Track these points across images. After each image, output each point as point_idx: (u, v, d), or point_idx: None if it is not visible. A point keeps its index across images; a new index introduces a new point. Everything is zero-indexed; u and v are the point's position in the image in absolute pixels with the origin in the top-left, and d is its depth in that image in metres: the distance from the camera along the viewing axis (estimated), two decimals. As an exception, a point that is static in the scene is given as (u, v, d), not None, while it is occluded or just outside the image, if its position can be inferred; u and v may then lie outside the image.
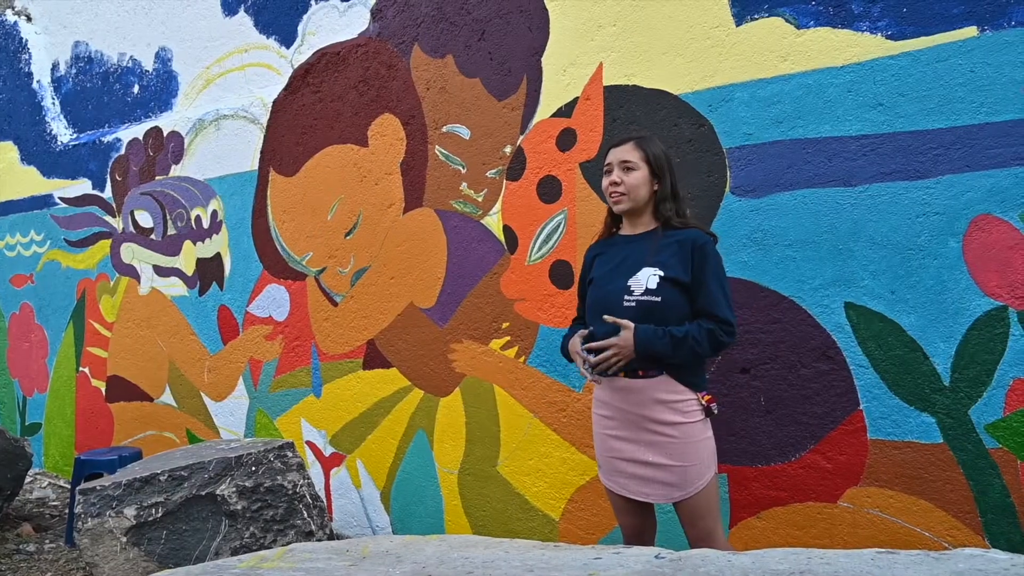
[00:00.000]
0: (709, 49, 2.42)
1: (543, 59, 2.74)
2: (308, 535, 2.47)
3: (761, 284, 2.36)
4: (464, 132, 2.95)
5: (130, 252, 4.17)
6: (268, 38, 3.58)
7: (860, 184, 2.21)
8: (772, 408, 2.36)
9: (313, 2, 3.42)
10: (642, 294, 1.92)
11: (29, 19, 4.76)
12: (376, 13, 3.19)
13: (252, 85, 3.65)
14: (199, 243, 3.84)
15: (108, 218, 4.28)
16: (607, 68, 2.62)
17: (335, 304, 3.34)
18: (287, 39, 3.51)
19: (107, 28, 4.31)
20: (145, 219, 4.09)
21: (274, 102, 3.51)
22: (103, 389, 4.38)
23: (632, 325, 1.88)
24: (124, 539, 2.19)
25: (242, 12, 3.68)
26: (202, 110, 3.82)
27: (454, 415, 3.02)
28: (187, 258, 3.90)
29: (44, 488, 4.38)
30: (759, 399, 2.38)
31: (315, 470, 3.47)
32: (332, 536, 2.55)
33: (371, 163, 3.21)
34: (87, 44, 4.44)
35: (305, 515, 2.48)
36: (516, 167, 2.83)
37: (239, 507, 2.37)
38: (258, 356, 3.63)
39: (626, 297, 1.94)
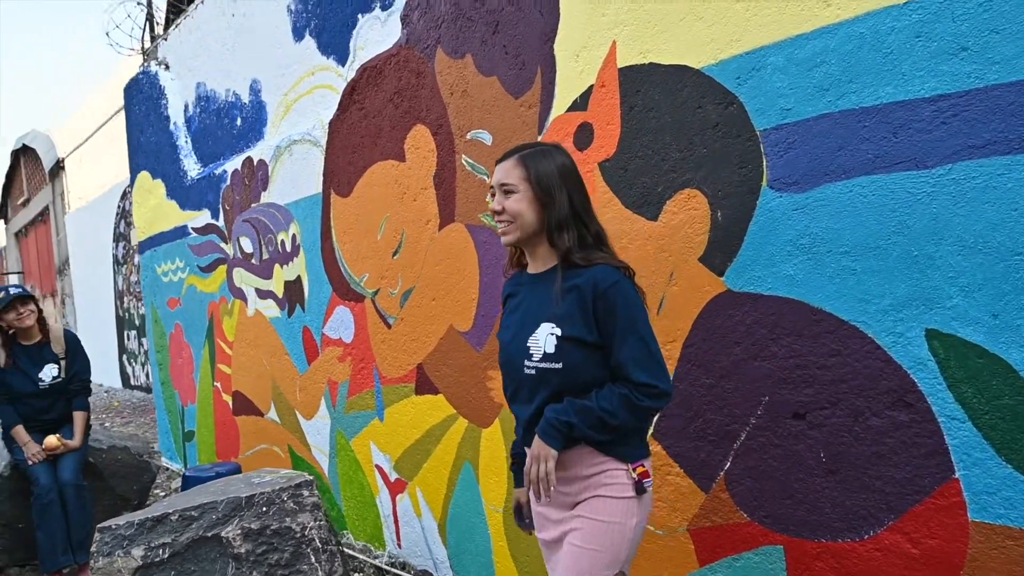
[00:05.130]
0: (733, 6, 1.90)
1: (555, 46, 2.36)
2: (313, 582, 2.36)
3: (812, 305, 1.80)
4: (487, 138, 2.66)
5: (239, 276, 4.43)
6: (328, 59, 3.55)
7: (940, 164, 1.58)
8: (835, 467, 1.79)
9: (360, 16, 3.31)
10: (540, 359, 1.55)
11: (167, 67, 5.26)
12: (404, 19, 3.00)
13: (319, 108, 3.65)
14: (284, 266, 3.95)
15: (223, 245, 4.59)
16: (621, 46, 2.18)
17: (389, 326, 3.23)
18: (342, 57, 3.45)
19: (215, 67, 4.61)
20: (247, 244, 4.31)
21: (329, 123, 3.48)
22: (230, 403, 4.71)
23: (537, 447, 1.53)
24: (130, 579, 2.23)
25: (307, 36, 3.70)
26: (280, 137, 3.91)
27: (496, 448, 2.75)
28: (277, 281, 4.04)
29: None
30: (819, 454, 1.82)
31: (383, 496, 3.39)
32: (341, 583, 2.42)
33: (409, 178, 3.03)
34: (204, 84, 4.79)
35: (312, 560, 2.37)
36: (536, 172, 2.47)
37: (243, 550, 2.31)
38: (334, 377, 3.64)
39: (526, 363, 1.58)
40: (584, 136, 2.30)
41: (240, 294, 4.44)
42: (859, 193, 1.70)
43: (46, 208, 15.00)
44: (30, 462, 3.25)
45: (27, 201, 16.84)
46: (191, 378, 5.26)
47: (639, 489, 1.54)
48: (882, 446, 1.71)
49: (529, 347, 1.57)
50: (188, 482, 3.62)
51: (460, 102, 2.74)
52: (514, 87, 2.52)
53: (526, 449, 1.65)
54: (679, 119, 2.04)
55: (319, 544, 2.39)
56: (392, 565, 3.31)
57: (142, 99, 5.56)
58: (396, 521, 3.33)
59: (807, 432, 1.84)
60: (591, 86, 2.27)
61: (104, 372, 12.63)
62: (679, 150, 2.04)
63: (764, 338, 1.90)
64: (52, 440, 3.30)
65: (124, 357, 11.58)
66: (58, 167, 13.77)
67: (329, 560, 2.40)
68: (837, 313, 1.76)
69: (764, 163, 1.87)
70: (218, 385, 4.85)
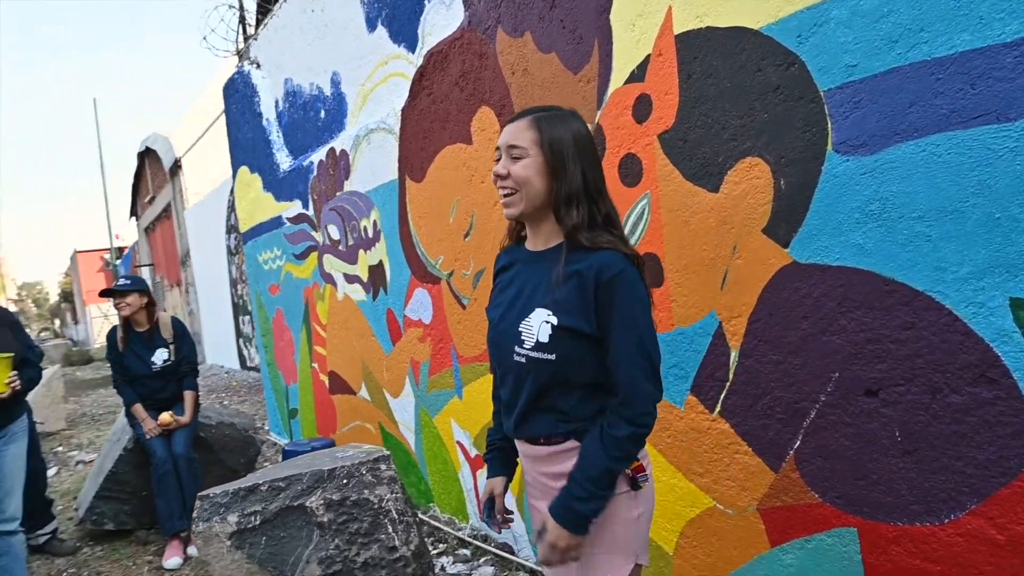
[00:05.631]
0: (791, -41, 1.78)
1: (611, 16, 2.31)
2: (391, 550, 2.47)
3: (884, 275, 1.69)
4: (548, 115, 2.64)
5: (329, 262, 4.64)
6: (399, 46, 3.63)
7: None
8: (912, 447, 1.69)
9: (427, 2, 3.36)
10: (532, 347, 1.40)
11: (258, 66, 5.54)
12: (466, 1, 3.01)
13: (392, 96, 3.74)
14: (368, 251, 4.10)
15: (314, 233, 4.81)
16: (677, 11, 2.10)
17: (463, 307, 3.29)
18: (412, 44, 3.51)
19: (300, 63, 4.81)
20: (334, 232, 4.50)
21: (402, 110, 3.56)
22: (327, 382, 4.97)
23: (548, 517, 1.40)
24: (228, 543, 2.42)
25: (379, 25, 3.78)
26: (358, 127, 4.04)
27: (567, 427, 2.76)
28: (362, 265, 4.20)
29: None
30: (893, 433, 1.72)
31: (465, 471, 3.48)
32: (417, 552, 2.51)
33: (476, 161, 3.06)
34: (292, 80, 5.01)
35: (389, 529, 2.48)
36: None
37: (325, 519, 2.46)
38: (416, 357, 3.76)
39: (516, 348, 1.44)
40: (643, 108, 2.24)
41: (330, 279, 4.65)
42: (933, 152, 1.57)
43: (168, 204, 16.24)
44: (147, 436, 3.58)
45: (152, 199, 18.30)
46: (292, 359, 5.58)
47: (634, 485, 1.43)
48: (963, 425, 1.59)
49: (520, 332, 1.43)
50: (286, 455, 3.87)
51: (521, 81, 2.74)
52: (572, 62, 2.48)
53: (515, 441, 1.57)
54: (738, 84, 1.95)
55: (395, 515, 2.50)
56: (474, 537, 3.40)
57: (238, 98, 5.89)
58: (477, 495, 3.42)
59: (881, 410, 1.73)
60: (648, 56, 2.20)
61: (224, 355, 13.63)
62: (739, 117, 1.96)
63: (833, 311, 1.80)
64: (165, 416, 3.61)
65: (240, 340, 12.43)
66: (176, 166, 14.85)
67: (406, 530, 2.50)
68: (911, 283, 1.64)
69: (829, 125, 1.75)
70: (315, 366, 5.13)
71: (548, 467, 1.49)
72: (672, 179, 2.18)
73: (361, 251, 4.19)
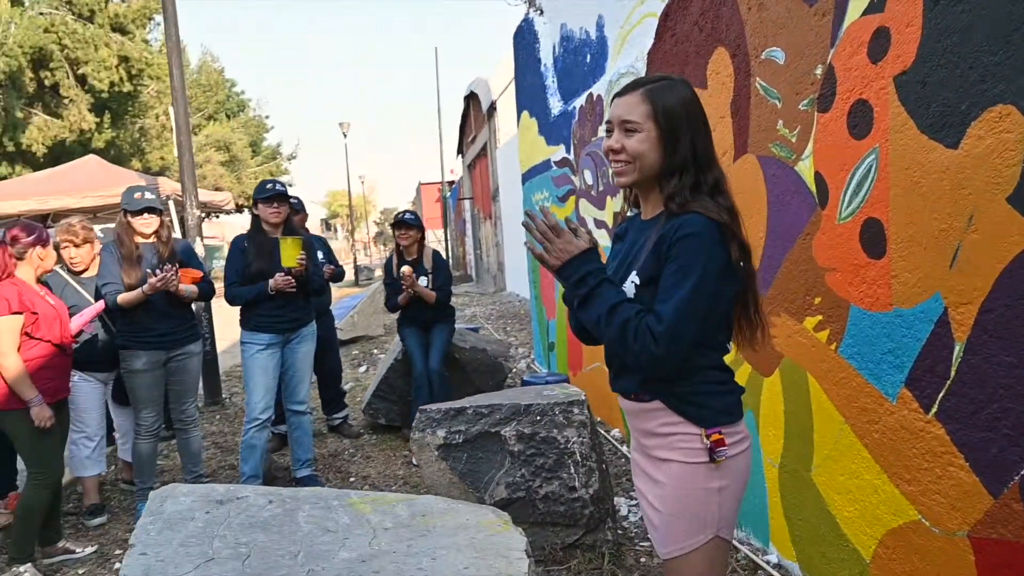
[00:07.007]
0: None
1: (853, -66, 1.95)
2: (571, 489, 2.59)
3: None
4: (780, 56, 2.35)
5: (583, 207, 4.77)
6: (654, -15, 3.50)
7: None
8: None
9: (679, -66, 3.17)
10: None
11: (541, 12, 5.76)
12: (711, -69, 2.77)
13: (644, 38, 3.64)
14: (614, 198, 4.13)
15: (573, 177, 4.97)
16: (929, -78, 1.69)
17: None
18: (665, -18, 3.36)
19: (574, 7, 4.89)
20: (588, 177, 4.60)
21: (648, 53, 3.45)
22: (577, 322, 5.20)
23: (587, 246, 1.42)
24: (436, 453, 2.77)
25: (638, -37, 3.67)
26: (613, 72, 4.02)
27: (775, 400, 2.55)
28: (609, 212, 4.25)
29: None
30: None
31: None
32: (597, 497, 2.58)
33: (709, 107, 2.82)
34: (566, 25, 5.13)
35: (572, 470, 2.59)
36: (827, 93, 2.12)
37: (516, 449, 2.66)
38: (647, 308, 3.74)
39: None
40: (879, 45, 1.88)
41: (583, 223, 4.79)
42: None
43: (485, 144, 17.93)
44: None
45: (474, 138, 20.36)
46: (553, 296, 5.92)
47: (711, 457, 1.39)
48: None
49: None
50: (524, 384, 4.21)
51: (756, 17, 2.47)
52: (808, -7, 2.16)
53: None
54: (994, 10, 1.53)
55: (579, 458, 2.60)
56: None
57: (524, 45, 6.22)
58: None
59: None
60: (891, -20, 1.83)
61: (521, 284, 14.89)
62: (992, 52, 1.55)
63: (1091, 310, 1.38)
64: (406, 269, 4.17)
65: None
66: (492, 108, 16.24)
67: (587, 474, 2.59)
68: None
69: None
70: (569, 304, 5.38)
71: (637, 422, 1.52)
72: (905, 131, 1.81)
73: (609, 197, 4.24)
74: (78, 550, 3.13)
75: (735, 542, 2.79)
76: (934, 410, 1.80)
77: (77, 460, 3.57)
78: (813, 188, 2.23)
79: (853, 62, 1.99)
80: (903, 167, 1.84)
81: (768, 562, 2.62)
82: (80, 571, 3.01)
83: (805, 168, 2.26)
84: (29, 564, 2.90)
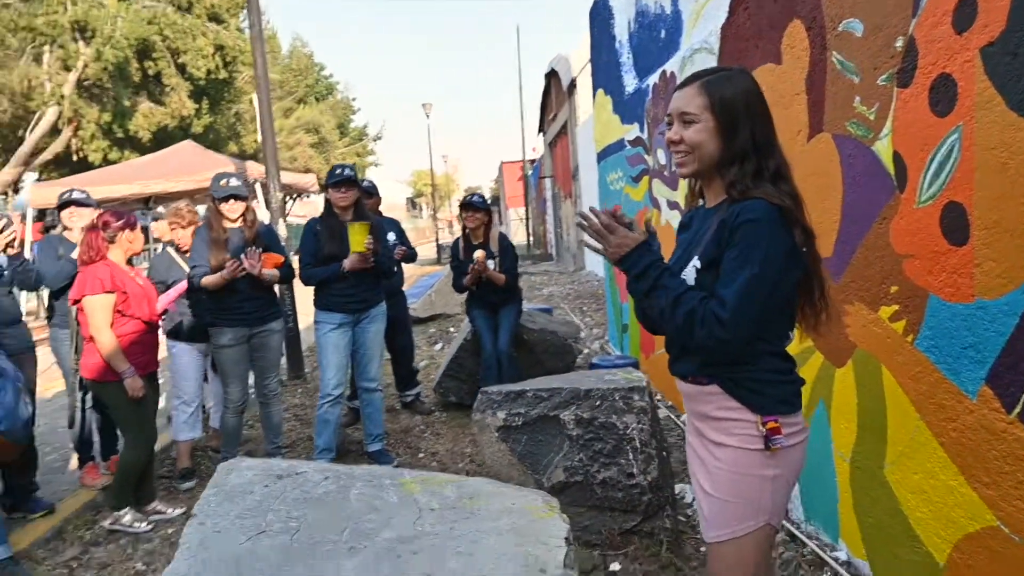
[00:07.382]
0: None
1: None
2: (629, 475, 2.56)
3: None
4: (858, 28, 2.20)
5: (657, 187, 4.66)
6: (730, -45, 3.34)
7: None
8: None
9: (758, -101, 3.00)
10: None
11: (616, -13, 5.61)
12: None
13: (719, 12, 3.48)
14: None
15: (647, 156, 4.85)
16: None
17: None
18: (741, -50, 3.20)
19: (648, -19, 4.73)
20: (662, 156, 4.48)
21: (721, 28, 3.30)
22: (649, 305, 5.11)
23: (643, 238, 1.47)
24: (496, 434, 2.80)
25: (714, -67, 3.51)
26: (686, 47, 3.88)
27: (847, 391, 2.43)
28: (681, 192, 4.13)
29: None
30: None
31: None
32: (655, 484, 2.55)
33: (784, 83, 2.72)
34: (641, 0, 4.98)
35: (630, 456, 2.56)
36: (907, 67, 1.97)
37: (575, 433, 2.65)
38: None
39: None
40: (965, 13, 1.73)
41: (657, 204, 4.68)
42: None
43: (565, 122, 17.76)
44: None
45: (555, 116, 20.19)
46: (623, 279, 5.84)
47: (766, 444, 1.41)
48: None
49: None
50: (592, 367, 4.18)
51: (834, -13, 2.31)
52: (889, -41, 2.01)
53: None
54: (1096, -28, 1.37)
55: (638, 444, 2.57)
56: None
57: (599, 21, 6.09)
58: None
59: None
60: (980, -59, 1.67)
61: (598, 264, 14.76)
62: (1092, 19, 1.39)
63: None
64: (479, 254, 4.20)
65: (611, 253, 13.26)
66: (572, 86, 16.04)
67: (646, 461, 2.56)
68: None
69: None
70: (642, 287, 5.29)
71: (694, 405, 1.56)
72: (992, 107, 1.67)
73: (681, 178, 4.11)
74: (169, 511, 3.38)
75: (803, 536, 2.70)
76: (1017, 410, 1.67)
77: (176, 424, 3.85)
78: (891, 169, 2.09)
79: (936, 33, 1.84)
80: (989, 147, 1.69)
81: (836, 559, 2.52)
82: (169, 531, 3.25)
83: (883, 148, 2.12)
84: (128, 508, 3.19)
